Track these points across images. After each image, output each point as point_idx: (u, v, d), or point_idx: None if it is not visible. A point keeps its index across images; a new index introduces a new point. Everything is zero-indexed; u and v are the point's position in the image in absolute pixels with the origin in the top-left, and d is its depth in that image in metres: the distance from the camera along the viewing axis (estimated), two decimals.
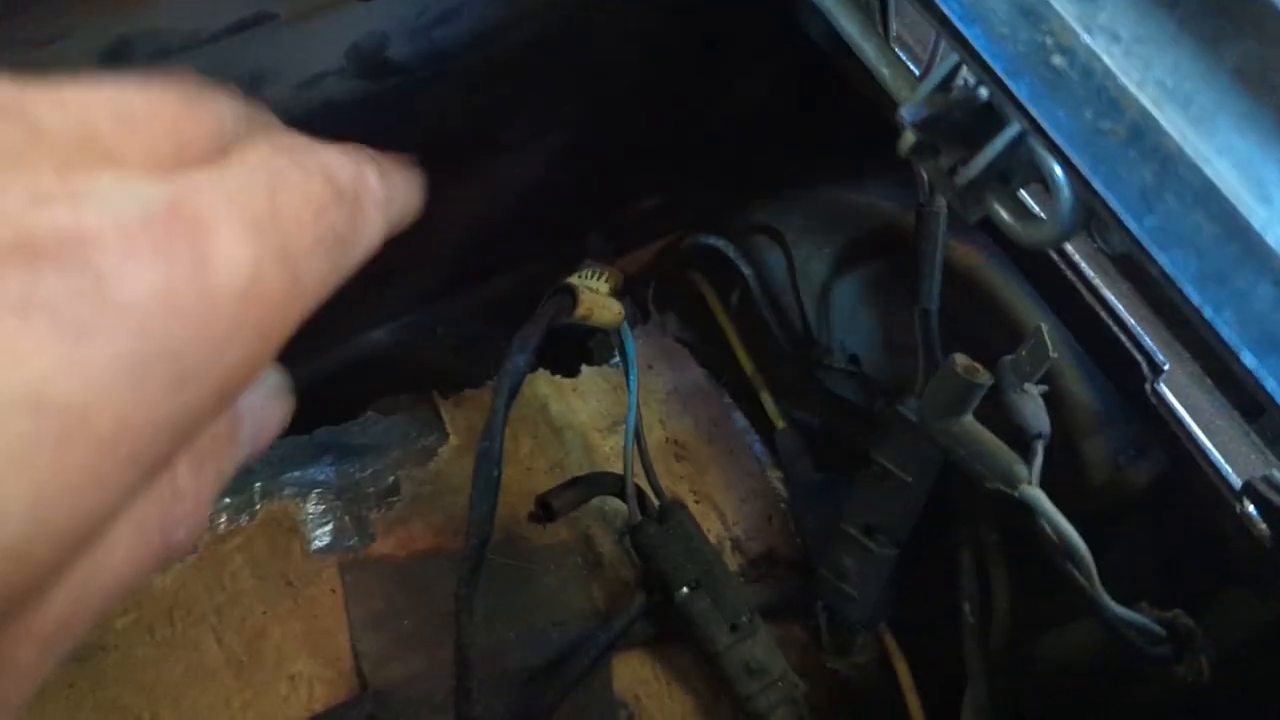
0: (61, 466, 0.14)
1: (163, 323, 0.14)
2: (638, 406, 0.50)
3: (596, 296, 0.49)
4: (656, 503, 0.51)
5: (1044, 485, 0.44)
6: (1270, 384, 0.27)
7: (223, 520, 0.51)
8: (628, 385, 0.50)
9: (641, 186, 0.72)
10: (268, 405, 0.22)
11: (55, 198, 0.14)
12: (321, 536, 0.51)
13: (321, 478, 0.53)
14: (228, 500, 0.52)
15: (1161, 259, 0.28)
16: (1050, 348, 0.40)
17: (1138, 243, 0.29)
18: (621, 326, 0.51)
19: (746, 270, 0.62)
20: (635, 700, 0.51)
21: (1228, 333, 0.28)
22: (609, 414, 0.57)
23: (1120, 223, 0.29)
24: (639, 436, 0.50)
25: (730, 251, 0.64)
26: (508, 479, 0.48)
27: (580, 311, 0.47)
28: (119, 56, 0.37)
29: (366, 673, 0.48)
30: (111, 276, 0.14)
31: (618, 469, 0.52)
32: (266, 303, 0.16)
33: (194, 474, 0.18)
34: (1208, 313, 0.28)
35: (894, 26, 0.44)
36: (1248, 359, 0.27)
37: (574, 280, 0.49)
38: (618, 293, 0.51)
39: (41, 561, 0.14)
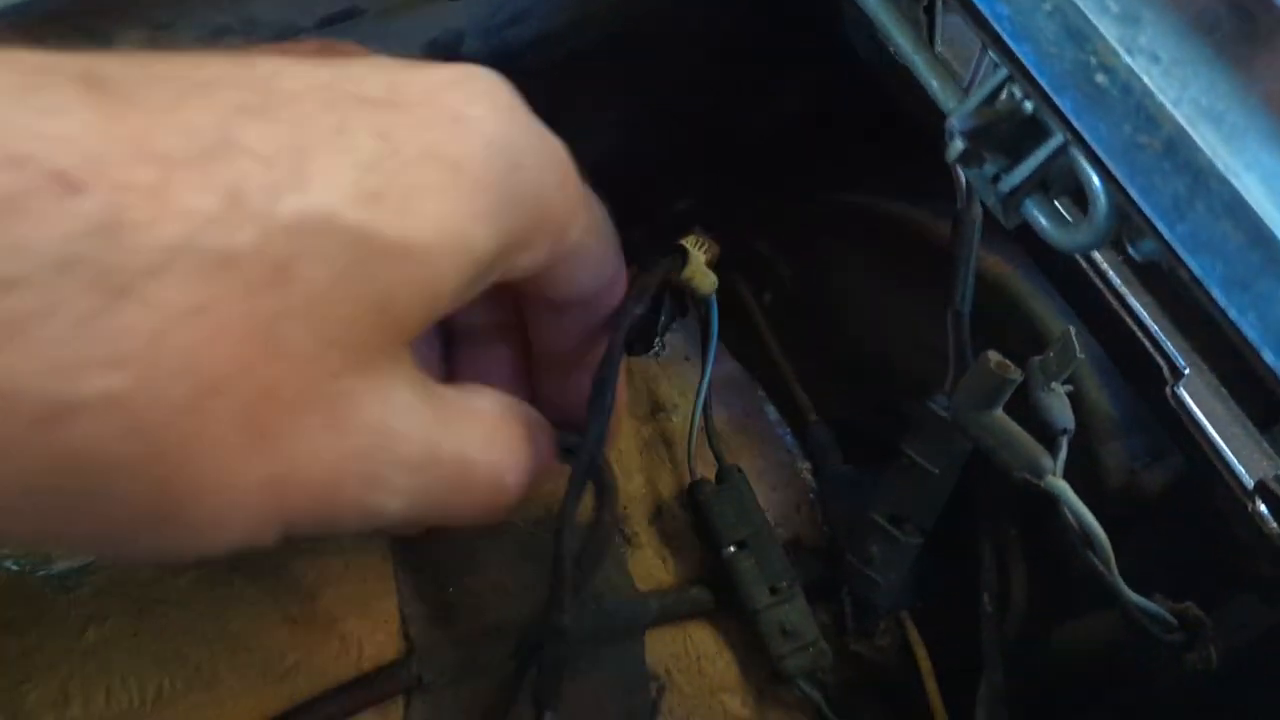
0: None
1: None
2: (710, 375, 0.53)
3: (699, 262, 0.51)
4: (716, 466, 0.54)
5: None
6: None
7: None
8: (705, 354, 0.53)
9: (680, 187, 0.74)
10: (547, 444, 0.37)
11: None
12: None
13: None
14: None
15: (1191, 263, 0.31)
16: (1077, 349, 0.43)
17: (1170, 248, 0.32)
18: (711, 298, 0.53)
19: (782, 271, 0.65)
20: (666, 673, 0.53)
21: (1251, 333, 0.30)
22: (648, 401, 0.60)
23: (1154, 229, 0.32)
24: (707, 406, 0.53)
25: (766, 252, 0.66)
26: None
27: (686, 272, 0.50)
28: (221, 41, 0.40)
29: (413, 635, 0.51)
30: None
31: (659, 452, 0.55)
32: None
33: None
34: (1233, 314, 0.30)
35: (939, 43, 0.47)
36: (1269, 357, 0.30)
37: (685, 243, 0.52)
38: (713, 265, 0.53)
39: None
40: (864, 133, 0.69)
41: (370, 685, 0.50)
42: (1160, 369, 0.45)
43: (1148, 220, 0.32)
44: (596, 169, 0.66)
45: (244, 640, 0.50)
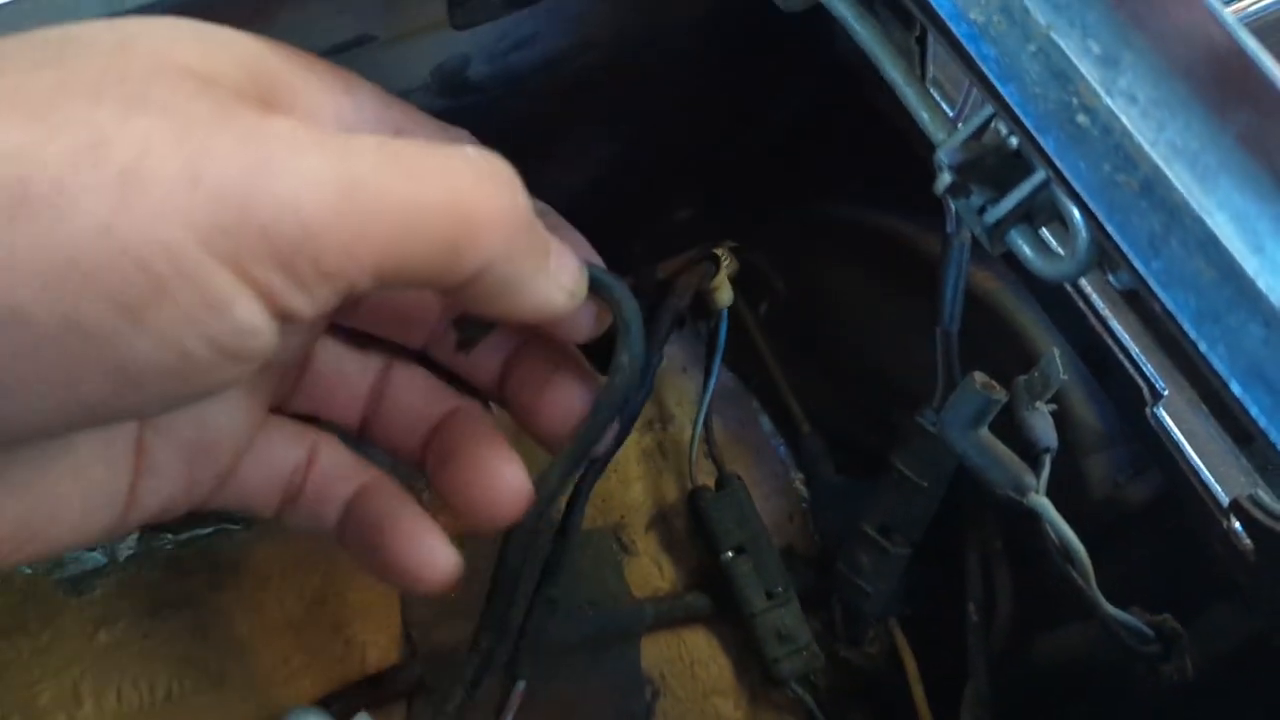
0: None
1: None
2: (714, 387, 0.55)
3: (724, 276, 0.54)
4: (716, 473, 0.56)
5: (1048, 497, 0.48)
6: (1254, 410, 0.31)
7: None
8: (709, 363, 0.56)
9: (677, 200, 0.76)
10: None
11: None
12: None
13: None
14: None
15: (1164, 297, 0.32)
16: (1061, 370, 0.44)
17: (1144, 282, 0.33)
18: (723, 311, 0.55)
19: (776, 283, 0.67)
20: (661, 678, 0.55)
21: (1220, 365, 0.32)
22: (647, 411, 0.61)
23: (1130, 264, 0.33)
24: (708, 415, 0.55)
25: (761, 265, 0.68)
26: (545, 464, 0.52)
27: (714, 281, 0.52)
28: None
29: (416, 639, 0.53)
30: None
31: (656, 462, 0.57)
32: None
33: None
34: (1203, 347, 0.32)
35: (931, 70, 0.48)
36: (1236, 388, 0.32)
37: (718, 252, 0.54)
38: (733, 279, 0.56)
39: None
40: (858, 148, 0.70)
41: (374, 688, 0.52)
42: (1140, 390, 0.46)
43: (1124, 255, 0.33)
44: (599, 183, 0.68)
45: (252, 643, 0.52)
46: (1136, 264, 0.33)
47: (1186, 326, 0.32)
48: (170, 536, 0.53)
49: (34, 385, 0.22)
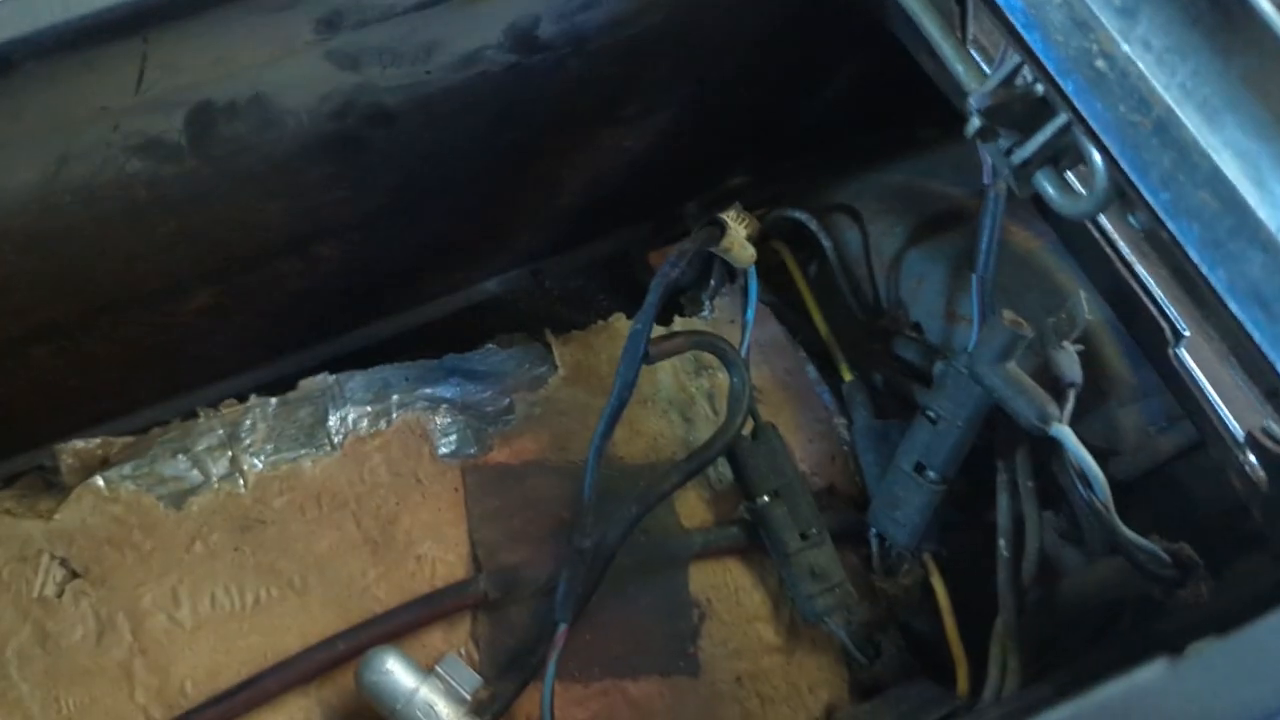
0: None
1: None
2: (750, 339, 0.58)
3: (738, 235, 0.57)
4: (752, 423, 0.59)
5: (1077, 436, 0.51)
6: (1250, 327, 0.34)
7: (364, 424, 0.60)
8: (744, 320, 0.59)
9: (733, 165, 0.79)
10: None
11: None
12: (447, 444, 0.60)
13: (449, 395, 0.61)
14: (369, 408, 0.60)
15: (1172, 226, 0.36)
16: (1086, 310, 0.47)
17: (1154, 213, 0.36)
18: (750, 268, 0.58)
19: (825, 242, 0.70)
20: (707, 602, 0.59)
21: (1220, 286, 0.35)
22: (695, 359, 0.65)
23: (1141, 197, 0.36)
24: (746, 367, 0.58)
25: (812, 225, 0.71)
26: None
27: (724, 244, 0.55)
28: (332, 24, 0.46)
29: (481, 558, 0.57)
30: None
31: (705, 405, 0.61)
32: None
33: None
34: (1205, 270, 0.35)
35: (971, 31, 0.51)
36: (1235, 308, 0.35)
37: (725, 216, 0.57)
38: (753, 239, 0.59)
39: None
40: (904, 114, 0.73)
41: (442, 601, 0.56)
42: (1163, 331, 0.49)
43: (1136, 189, 0.36)
44: (656, 146, 0.72)
45: (332, 558, 0.57)
46: (1147, 196, 0.36)
47: (1191, 252, 0.35)
48: (260, 460, 0.58)
49: None
